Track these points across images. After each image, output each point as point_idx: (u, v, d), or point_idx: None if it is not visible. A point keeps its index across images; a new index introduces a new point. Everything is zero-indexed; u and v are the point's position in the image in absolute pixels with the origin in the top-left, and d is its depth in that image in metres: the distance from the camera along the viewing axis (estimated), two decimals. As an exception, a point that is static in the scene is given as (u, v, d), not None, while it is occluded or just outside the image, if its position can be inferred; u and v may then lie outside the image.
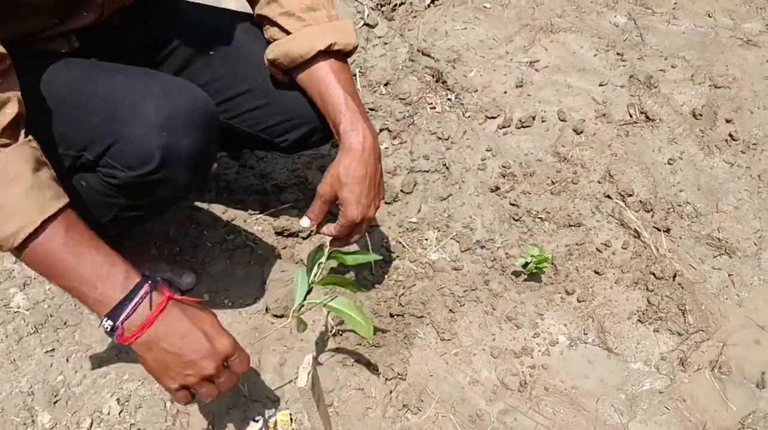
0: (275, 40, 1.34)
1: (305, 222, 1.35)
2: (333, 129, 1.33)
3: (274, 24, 1.33)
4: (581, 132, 1.99)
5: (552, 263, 1.71)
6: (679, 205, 1.82)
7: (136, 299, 1.05)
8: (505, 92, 2.13)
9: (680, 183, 1.87)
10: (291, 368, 1.54)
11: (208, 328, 1.11)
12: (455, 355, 1.57)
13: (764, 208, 1.80)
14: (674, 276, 1.65)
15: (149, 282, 1.07)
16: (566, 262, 1.72)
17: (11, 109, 0.98)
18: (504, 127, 2.03)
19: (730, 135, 1.96)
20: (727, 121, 2.00)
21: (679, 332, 1.57)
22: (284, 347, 1.58)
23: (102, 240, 1.06)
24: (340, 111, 1.29)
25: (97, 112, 1.14)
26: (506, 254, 1.74)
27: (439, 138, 2.00)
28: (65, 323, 1.63)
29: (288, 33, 1.31)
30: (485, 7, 2.39)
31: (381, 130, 2.04)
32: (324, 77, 1.30)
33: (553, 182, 1.89)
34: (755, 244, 1.74)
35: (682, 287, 1.63)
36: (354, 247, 1.53)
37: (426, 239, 1.79)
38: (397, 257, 1.75)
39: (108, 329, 1.04)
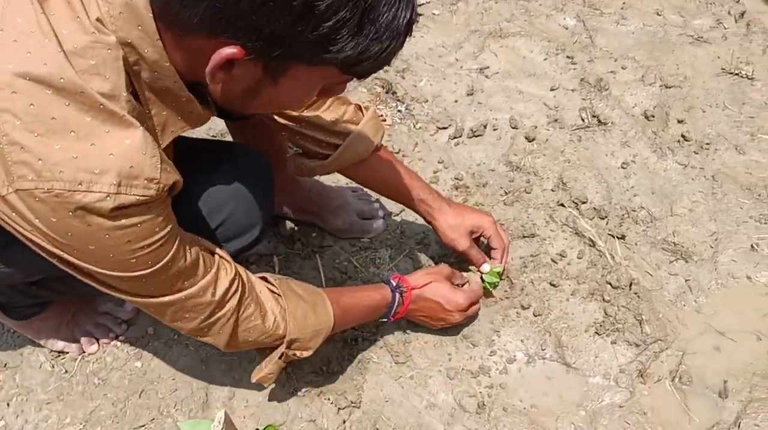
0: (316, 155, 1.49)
1: (487, 268, 1.59)
2: (410, 204, 1.56)
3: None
4: (533, 139, 1.95)
5: (507, 277, 1.67)
6: (634, 211, 1.79)
7: (395, 306, 1.44)
8: (456, 101, 2.08)
9: (634, 187, 1.84)
10: (240, 402, 1.49)
11: (443, 296, 1.48)
12: (410, 378, 1.53)
13: (719, 210, 1.78)
14: (630, 284, 1.62)
15: (394, 291, 1.44)
16: (521, 275, 1.68)
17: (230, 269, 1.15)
18: (455, 137, 1.99)
19: (683, 136, 1.94)
20: (679, 122, 1.98)
21: (636, 343, 1.54)
22: (233, 379, 1.52)
23: (348, 290, 1.45)
24: (419, 198, 1.54)
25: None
26: (461, 269, 1.70)
27: (391, 151, 1.95)
28: (5, 366, 1.56)
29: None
30: (434, 14, 2.35)
31: (330, 146, 1.99)
32: (386, 169, 1.53)
33: (506, 192, 1.85)
34: (711, 247, 1.71)
35: (639, 296, 1.59)
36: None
37: (379, 258, 1.74)
38: (350, 277, 1.69)
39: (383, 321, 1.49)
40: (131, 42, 0.86)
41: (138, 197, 0.88)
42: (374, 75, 2.12)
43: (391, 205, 1.82)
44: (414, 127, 2.02)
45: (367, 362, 1.55)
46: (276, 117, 1.42)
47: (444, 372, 1.53)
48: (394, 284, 1.46)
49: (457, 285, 1.56)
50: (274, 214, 1.39)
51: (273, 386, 1.49)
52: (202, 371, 1.54)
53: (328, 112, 1.43)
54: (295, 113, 1.41)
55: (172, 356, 1.57)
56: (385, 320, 1.47)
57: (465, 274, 1.60)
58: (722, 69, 2.12)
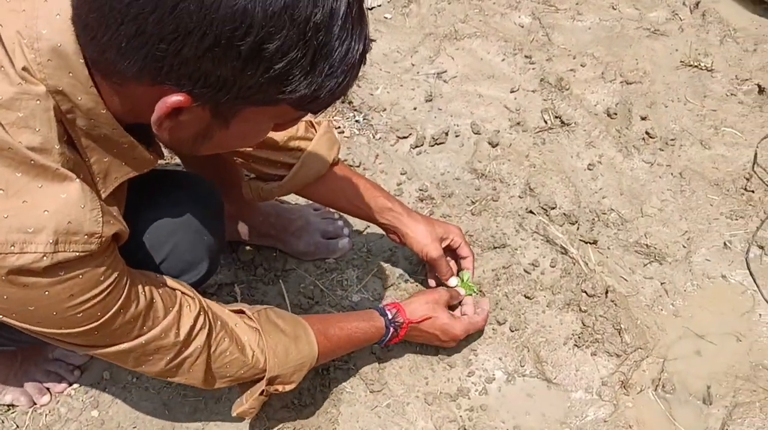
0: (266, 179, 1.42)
1: (454, 281, 1.53)
2: (377, 220, 1.49)
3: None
4: (497, 144, 1.89)
5: (479, 291, 1.61)
6: (604, 214, 1.74)
7: (387, 337, 1.37)
8: (415, 108, 2.01)
9: (602, 189, 1.80)
10: (208, 447, 1.40)
11: (439, 327, 1.42)
12: (387, 406, 1.46)
13: (689, 208, 1.75)
14: (606, 292, 1.57)
15: (388, 326, 1.37)
16: (494, 288, 1.62)
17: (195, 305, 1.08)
18: (417, 146, 1.92)
19: (647, 133, 1.90)
20: (642, 118, 1.95)
21: (617, 353, 1.50)
22: (198, 423, 1.43)
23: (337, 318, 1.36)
24: (385, 207, 1.47)
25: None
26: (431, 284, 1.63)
27: (351, 165, 1.87)
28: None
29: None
30: (386, 17, 2.28)
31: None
32: (346, 184, 1.46)
33: (473, 202, 1.79)
34: (684, 246, 1.68)
35: (616, 304, 1.55)
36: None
37: (346, 280, 1.66)
38: (317, 302, 1.62)
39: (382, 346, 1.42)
40: (62, 90, 0.79)
41: (78, 254, 0.82)
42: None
43: (356, 222, 1.75)
44: (373, 137, 1.95)
45: (341, 393, 1.47)
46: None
47: (422, 397, 1.47)
48: (390, 316, 1.38)
49: (455, 305, 1.52)
50: (225, 247, 1.31)
51: (242, 425, 1.41)
52: (164, 415, 1.44)
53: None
54: None
55: (131, 400, 1.47)
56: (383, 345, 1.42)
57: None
58: (681, 62, 2.10)
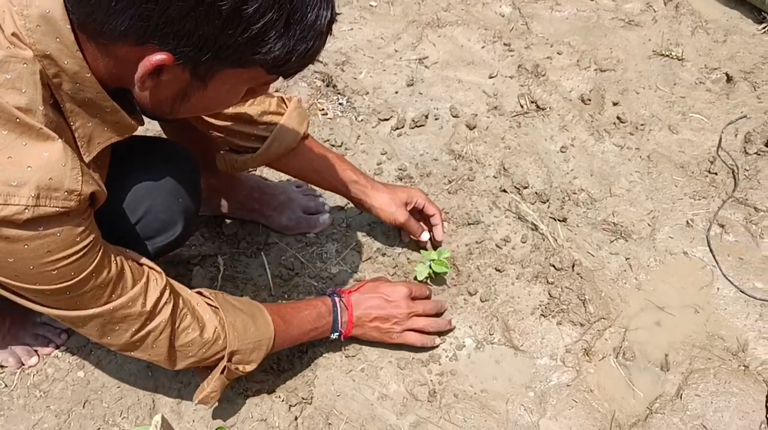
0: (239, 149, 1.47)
1: (426, 236, 1.64)
2: (344, 193, 1.58)
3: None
4: (474, 127, 1.97)
5: (453, 265, 1.68)
6: (574, 193, 1.82)
7: (339, 312, 1.45)
8: (397, 92, 2.08)
9: (574, 170, 1.87)
10: (188, 406, 1.46)
11: (382, 291, 1.50)
12: (361, 371, 1.53)
13: (655, 189, 1.82)
14: (573, 266, 1.65)
15: (332, 296, 1.47)
16: (467, 262, 1.69)
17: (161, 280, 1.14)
18: (397, 128, 1.99)
19: (618, 118, 1.98)
20: (615, 104, 2.02)
21: (581, 323, 1.57)
22: (180, 384, 1.49)
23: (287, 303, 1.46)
24: (351, 180, 1.56)
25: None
26: (408, 259, 1.70)
27: (333, 145, 1.95)
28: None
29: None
30: (371, 5, 2.35)
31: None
32: (315, 158, 1.53)
33: (449, 181, 1.86)
34: (649, 225, 1.76)
35: (581, 277, 1.62)
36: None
37: (326, 253, 1.73)
38: (297, 274, 1.68)
39: (336, 337, 1.47)
40: (50, 54, 0.85)
41: (57, 209, 0.87)
42: (314, 69, 2.12)
43: (336, 199, 1.82)
44: (356, 119, 2.02)
45: (318, 358, 1.54)
46: (203, 116, 1.40)
47: (395, 363, 1.53)
48: (329, 292, 1.48)
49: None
50: (198, 210, 1.37)
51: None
52: (147, 378, 1.50)
53: (254, 106, 1.41)
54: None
55: (116, 364, 1.53)
56: (337, 335, 1.46)
57: (417, 267, 1.61)
58: (653, 51, 2.18)
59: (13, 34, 0.83)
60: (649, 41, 2.21)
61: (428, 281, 1.62)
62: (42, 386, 1.50)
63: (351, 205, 1.80)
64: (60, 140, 0.87)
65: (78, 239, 0.93)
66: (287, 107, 1.46)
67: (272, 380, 1.50)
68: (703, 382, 1.47)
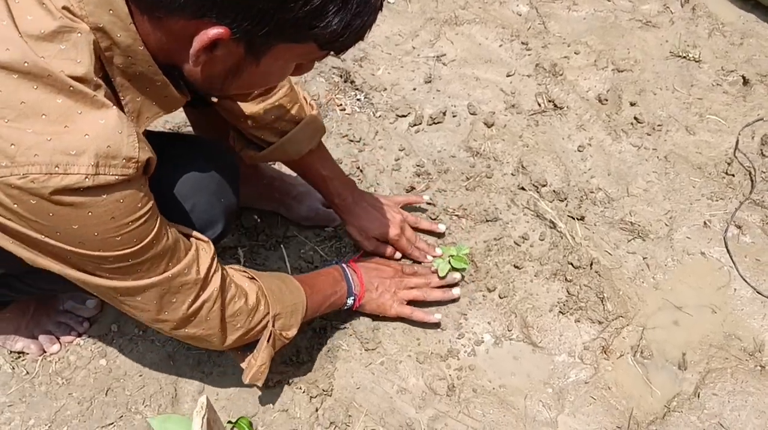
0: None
1: (443, 227, 1.73)
2: (330, 202, 1.63)
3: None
4: (492, 125, 1.98)
5: (472, 261, 1.69)
6: (592, 192, 1.83)
7: (350, 276, 1.50)
8: (414, 89, 2.09)
9: (591, 170, 1.89)
10: (210, 395, 1.47)
11: (379, 261, 1.61)
12: (381, 364, 1.54)
13: (672, 189, 1.84)
14: (591, 264, 1.66)
15: (341, 264, 1.52)
16: (485, 258, 1.70)
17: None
18: (415, 124, 2.00)
19: (635, 118, 1.99)
20: (632, 105, 2.03)
21: (599, 321, 1.58)
22: (202, 373, 1.51)
23: (300, 276, 1.42)
24: (336, 193, 1.59)
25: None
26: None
27: (351, 140, 1.96)
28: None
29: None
30: (389, 2, 2.36)
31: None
32: (324, 172, 1.57)
33: (467, 178, 1.87)
34: (666, 224, 1.77)
35: (600, 275, 1.64)
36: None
37: (344, 247, 1.74)
38: (316, 267, 1.69)
39: (351, 303, 1.50)
40: (103, 27, 0.85)
41: (117, 177, 0.87)
42: (332, 64, 2.13)
43: (354, 194, 1.83)
44: (374, 115, 2.03)
45: (337, 350, 1.55)
46: (226, 110, 1.42)
47: (414, 357, 1.55)
48: (335, 262, 1.54)
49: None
50: (238, 208, 1.38)
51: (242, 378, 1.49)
52: (169, 366, 1.52)
53: (274, 108, 1.42)
54: (245, 110, 1.42)
55: (138, 352, 1.54)
56: (352, 300, 1.48)
57: (436, 263, 1.62)
58: (671, 52, 2.19)
59: (64, 8, 0.82)
60: (666, 42, 2.22)
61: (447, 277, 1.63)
62: (64, 374, 1.51)
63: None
64: (114, 107, 0.87)
65: (139, 205, 0.93)
66: (305, 115, 1.47)
67: (292, 372, 1.51)
68: (720, 381, 1.49)
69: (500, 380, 1.52)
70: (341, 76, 2.12)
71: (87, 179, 0.84)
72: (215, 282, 1.13)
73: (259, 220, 1.77)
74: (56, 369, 1.52)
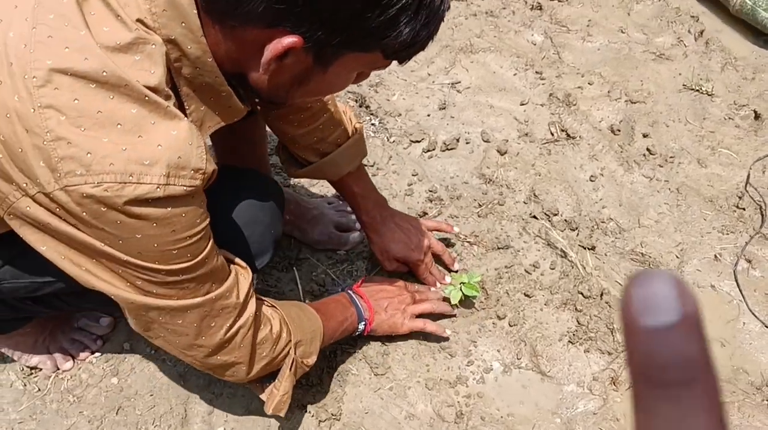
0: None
1: (457, 266, 1.73)
2: (357, 213, 1.64)
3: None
4: (505, 152, 2.00)
5: (483, 288, 1.70)
6: (603, 222, 1.84)
7: (357, 301, 1.50)
8: (429, 115, 2.12)
9: (603, 200, 1.90)
10: (220, 417, 1.48)
11: (382, 281, 1.62)
12: (390, 389, 1.55)
13: (684, 221, 1.85)
14: (601, 294, 1.67)
15: (346, 291, 1.53)
16: (496, 286, 1.71)
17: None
18: (429, 150, 2.03)
19: (648, 149, 2.01)
20: (644, 136, 2.05)
21: (609, 352, 1.59)
22: (212, 394, 1.52)
23: (312, 304, 1.43)
24: (366, 210, 1.61)
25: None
26: (437, 280, 1.73)
27: (365, 165, 1.97)
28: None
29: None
30: (405, 29, 2.39)
31: (305, 159, 2.01)
32: (356, 189, 1.59)
33: (479, 205, 1.88)
34: (677, 257, 1.78)
35: (610, 305, 1.64)
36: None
37: (356, 271, 1.75)
38: (327, 290, 1.71)
39: (362, 328, 1.50)
40: (174, 39, 0.87)
41: (185, 188, 0.88)
42: (348, 89, 2.16)
43: (367, 218, 1.85)
44: (388, 140, 2.05)
45: (347, 375, 1.56)
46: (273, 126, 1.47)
47: (423, 383, 1.55)
48: (340, 290, 1.57)
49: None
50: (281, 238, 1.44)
51: (252, 400, 1.50)
52: (180, 387, 1.53)
53: (317, 130, 1.45)
54: (289, 132, 1.45)
55: (149, 371, 1.56)
56: (363, 325, 1.49)
57: (447, 290, 1.64)
58: (684, 85, 2.21)
59: (138, 20, 0.84)
60: (680, 75, 2.24)
61: (459, 304, 1.64)
62: (75, 392, 1.53)
63: (382, 224, 1.84)
64: (186, 119, 0.88)
65: (198, 221, 0.95)
66: (349, 138, 1.51)
67: (301, 395, 1.52)
68: (728, 415, 1.48)
69: (508, 408, 1.53)
70: (357, 101, 2.15)
71: (158, 189, 0.85)
72: (251, 308, 1.14)
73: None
74: (68, 387, 1.54)
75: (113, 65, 0.81)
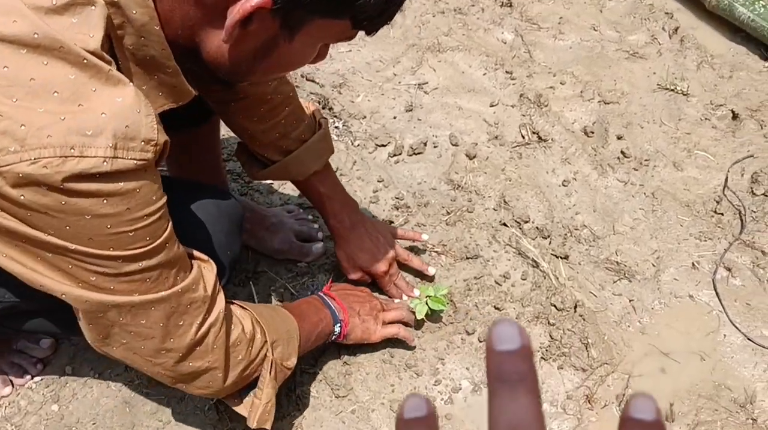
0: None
1: (433, 270, 1.64)
2: (324, 218, 1.55)
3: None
4: (474, 157, 1.91)
5: (451, 301, 1.61)
6: (576, 229, 1.76)
7: (329, 302, 1.41)
8: (395, 117, 2.02)
9: (576, 205, 1.82)
10: (168, 446, 1.38)
11: (351, 287, 1.54)
12: (352, 412, 1.45)
13: (660, 227, 1.77)
14: (575, 306, 1.58)
15: (317, 293, 1.45)
16: (465, 298, 1.62)
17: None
18: (395, 155, 1.93)
19: (622, 152, 1.93)
20: (618, 138, 1.97)
21: (583, 368, 1.50)
22: (159, 422, 1.41)
23: (284, 310, 1.29)
24: (333, 213, 1.52)
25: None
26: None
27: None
28: None
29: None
30: (370, 27, 2.29)
31: (265, 165, 1.90)
32: (323, 190, 1.50)
33: (448, 212, 1.79)
34: (653, 265, 1.70)
35: (584, 319, 1.56)
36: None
37: (316, 284, 1.65)
38: (286, 305, 1.61)
39: (338, 332, 1.40)
40: (118, 1, 0.77)
41: (136, 162, 0.79)
42: (309, 90, 2.06)
43: (329, 228, 1.75)
44: (352, 144, 1.95)
45: (305, 397, 1.46)
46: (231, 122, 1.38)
47: (387, 405, 1.46)
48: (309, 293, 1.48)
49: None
50: (240, 257, 1.33)
51: (204, 425, 1.39)
52: (125, 413, 1.42)
53: (279, 125, 1.37)
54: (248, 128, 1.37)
55: (92, 397, 1.45)
56: (339, 327, 1.38)
57: (413, 304, 1.54)
58: (658, 85, 2.13)
59: None
60: (654, 74, 2.16)
61: (426, 318, 1.55)
62: (14, 420, 1.41)
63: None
64: (131, 84, 0.79)
65: (154, 198, 0.85)
66: (314, 134, 1.43)
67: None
68: (709, 435, 1.41)
69: (478, 430, 1.44)
70: (319, 102, 2.04)
71: (105, 163, 0.75)
72: (220, 303, 1.03)
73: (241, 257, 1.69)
74: (5, 414, 1.42)
75: (46, 27, 0.72)
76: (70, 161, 0.73)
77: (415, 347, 1.52)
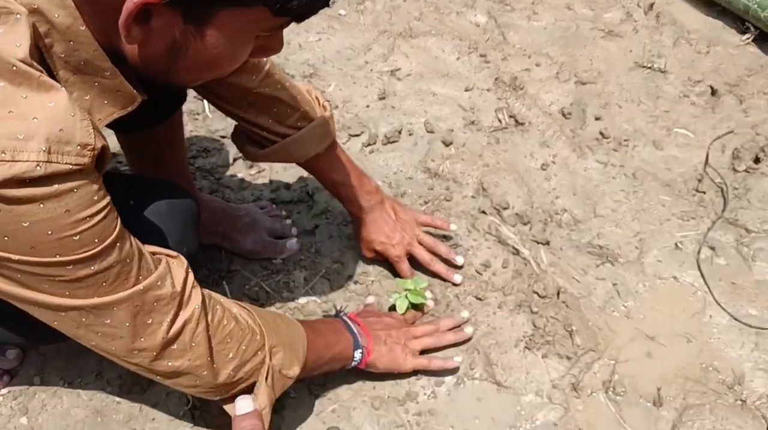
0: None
1: (461, 259, 1.60)
2: (342, 201, 1.54)
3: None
4: (450, 143, 1.86)
5: (431, 292, 1.57)
6: (557, 214, 1.72)
7: (352, 325, 1.35)
8: (368, 106, 1.97)
9: (555, 189, 1.78)
10: (142, 456, 1.33)
11: (380, 314, 1.48)
12: (332, 412, 1.40)
13: (641, 209, 1.73)
14: (558, 293, 1.55)
15: (339, 316, 1.42)
16: (445, 289, 1.58)
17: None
18: (369, 144, 1.88)
19: (601, 133, 1.89)
20: (597, 119, 1.93)
21: (568, 356, 1.47)
22: (133, 431, 1.36)
23: (294, 319, 1.26)
24: (350, 200, 1.51)
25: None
26: (381, 286, 1.59)
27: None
28: None
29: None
30: (340, 14, 2.23)
31: (235, 160, 1.85)
32: (331, 171, 1.48)
33: (425, 202, 1.75)
34: (636, 247, 1.66)
35: (567, 305, 1.52)
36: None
37: (293, 281, 1.61)
38: (261, 305, 1.56)
39: (360, 357, 1.33)
40: (38, 7, 0.73)
41: (71, 167, 0.75)
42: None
43: (305, 222, 1.70)
44: (325, 135, 1.90)
45: (284, 397, 1.41)
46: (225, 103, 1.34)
47: (368, 402, 1.41)
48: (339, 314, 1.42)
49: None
50: (197, 254, 1.28)
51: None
52: (97, 424, 1.37)
53: (273, 113, 1.35)
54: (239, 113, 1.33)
55: (62, 408, 1.39)
56: (360, 353, 1.33)
57: (394, 298, 1.50)
58: (635, 63, 2.10)
59: None
60: (631, 52, 2.13)
61: (405, 313, 1.51)
62: (-21, 436, 1.36)
63: (320, 228, 1.69)
64: (63, 89, 0.75)
65: (96, 198, 0.81)
66: (314, 118, 1.39)
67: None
68: (699, 419, 1.38)
69: (463, 424, 1.40)
70: (290, 94, 1.99)
71: (38, 167, 0.71)
72: (195, 298, 0.99)
73: (200, 254, 1.63)
74: (-30, 430, 1.37)
75: None
76: (1, 166, 0.70)
77: (458, 368, 1.46)
